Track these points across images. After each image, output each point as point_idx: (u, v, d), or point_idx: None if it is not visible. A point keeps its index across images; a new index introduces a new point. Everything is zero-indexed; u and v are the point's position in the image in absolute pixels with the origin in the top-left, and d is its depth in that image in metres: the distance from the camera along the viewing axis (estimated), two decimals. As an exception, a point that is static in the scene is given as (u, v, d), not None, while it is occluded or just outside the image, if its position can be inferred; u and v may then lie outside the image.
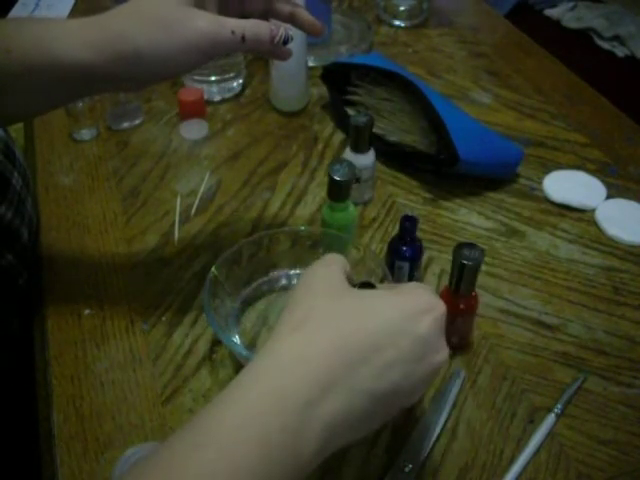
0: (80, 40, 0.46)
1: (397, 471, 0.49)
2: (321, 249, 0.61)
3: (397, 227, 0.60)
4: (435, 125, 0.72)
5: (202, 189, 0.73)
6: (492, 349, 0.58)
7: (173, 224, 0.69)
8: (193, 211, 0.71)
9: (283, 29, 0.50)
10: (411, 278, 0.61)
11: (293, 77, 0.83)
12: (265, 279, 0.62)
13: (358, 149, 0.68)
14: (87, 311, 0.61)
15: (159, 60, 0.47)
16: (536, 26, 1.42)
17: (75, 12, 1.04)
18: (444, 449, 0.51)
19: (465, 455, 0.51)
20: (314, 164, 0.78)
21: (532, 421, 0.53)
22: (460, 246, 0.52)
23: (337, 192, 0.60)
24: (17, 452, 0.65)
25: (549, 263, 0.66)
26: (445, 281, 0.61)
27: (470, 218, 0.71)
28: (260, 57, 0.92)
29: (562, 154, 0.80)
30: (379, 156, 0.73)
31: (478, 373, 0.56)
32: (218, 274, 0.56)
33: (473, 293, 0.55)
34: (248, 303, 0.61)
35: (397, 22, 1.05)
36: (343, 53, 0.95)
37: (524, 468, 0.50)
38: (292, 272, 0.63)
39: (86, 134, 0.80)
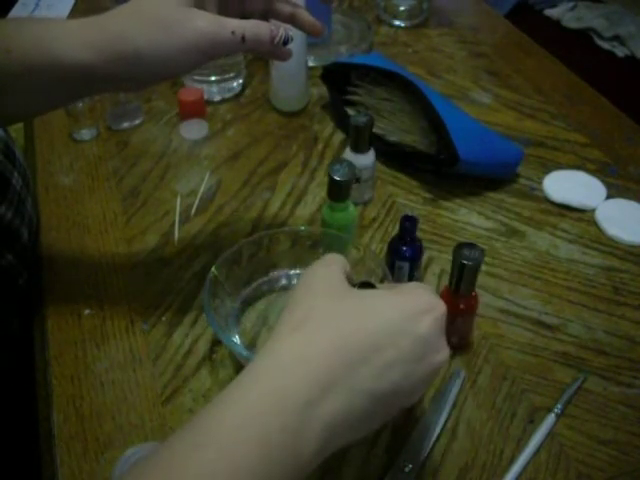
0: (80, 40, 0.46)
1: (397, 471, 0.49)
2: (321, 249, 0.61)
3: (397, 227, 0.60)
4: (435, 125, 0.72)
5: (202, 189, 0.73)
6: (492, 349, 0.58)
7: (173, 224, 0.69)
8: (193, 211, 0.71)
9: (283, 29, 0.50)
10: (411, 278, 0.61)
11: (293, 77, 0.83)
12: (265, 279, 0.62)
13: (358, 149, 0.68)
14: (87, 311, 0.61)
15: (159, 60, 0.47)
16: (536, 26, 1.42)
17: (75, 12, 1.04)
18: (444, 449, 0.51)
19: (465, 455, 0.51)
20: (314, 164, 0.78)
21: (532, 421, 0.53)
22: (460, 246, 0.52)
23: (337, 192, 0.60)
24: (17, 452, 0.65)
25: (549, 263, 0.66)
26: (445, 281, 0.61)
27: (470, 218, 0.71)
28: (260, 57, 0.92)
29: (562, 154, 0.80)
30: (379, 156, 0.73)
31: (478, 373, 0.56)
32: (218, 274, 0.56)
33: (473, 293, 0.55)
34: (248, 303, 0.61)
35: (397, 22, 1.05)
36: (343, 53, 0.95)
37: (524, 468, 0.50)
38: (292, 272, 0.63)
39: (86, 134, 0.80)
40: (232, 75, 0.87)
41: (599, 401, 0.54)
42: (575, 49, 1.91)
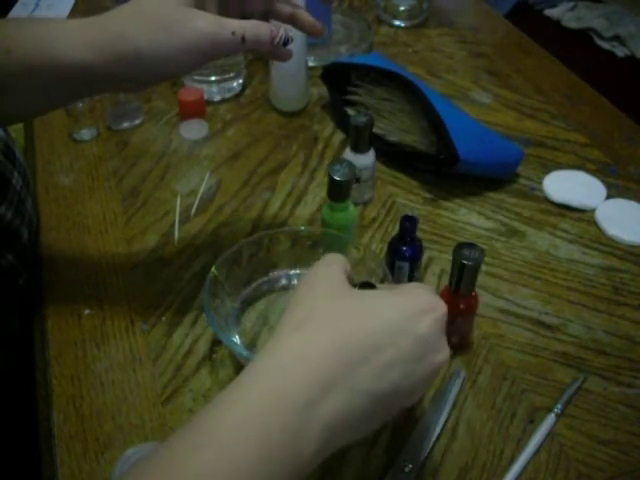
0: (80, 40, 0.46)
1: (397, 471, 0.49)
2: (321, 249, 0.61)
3: (397, 227, 0.60)
4: (435, 125, 0.72)
5: (202, 189, 0.73)
6: (492, 349, 0.58)
7: (173, 224, 0.69)
8: (193, 211, 0.71)
9: (283, 30, 0.50)
10: (411, 278, 0.61)
11: (293, 77, 0.83)
12: (265, 279, 0.62)
13: (358, 149, 0.68)
14: (87, 311, 0.61)
15: (159, 60, 0.47)
16: (536, 26, 1.42)
17: (75, 12, 1.04)
18: (444, 449, 0.51)
19: (465, 455, 0.51)
20: (314, 164, 0.78)
21: (532, 421, 0.53)
22: (460, 246, 0.52)
23: (337, 192, 0.60)
24: (17, 452, 0.65)
25: (549, 263, 0.66)
26: (445, 281, 0.61)
27: (470, 218, 0.71)
28: (260, 57, 0.92)
29: (562, 154, 0.80)
30: (379, 156, 0.73)
31: (478, 373, 0.56)
32: (218, 274, 0.56)
33: (473, 293, 0.55)
34: (248, 303, 0.61)
35: (397, 22, 1.05)
36: (343, 53, 0.95)
37: (524, 468, 0.50)
38: (292, 272, 0.63)
39: (86, 134, 0.80)
40: (232, 75, 0.87)
41: (599, 401, 0.54)
42: (575, 49, 1.91)
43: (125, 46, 0.46)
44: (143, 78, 0.49)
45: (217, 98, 0.87)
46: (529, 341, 0.59)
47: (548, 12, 2.22)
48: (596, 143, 0.81)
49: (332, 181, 0.59)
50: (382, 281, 0.55)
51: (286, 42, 0.51)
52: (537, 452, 0.51)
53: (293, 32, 0.52)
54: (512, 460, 0.50)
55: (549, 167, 0.77)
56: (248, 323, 0.59)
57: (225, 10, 0.52)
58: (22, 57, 0.46)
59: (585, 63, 1.22)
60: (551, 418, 0.52)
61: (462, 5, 1.14)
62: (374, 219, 0.71)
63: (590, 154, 0.80)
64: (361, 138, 0.68)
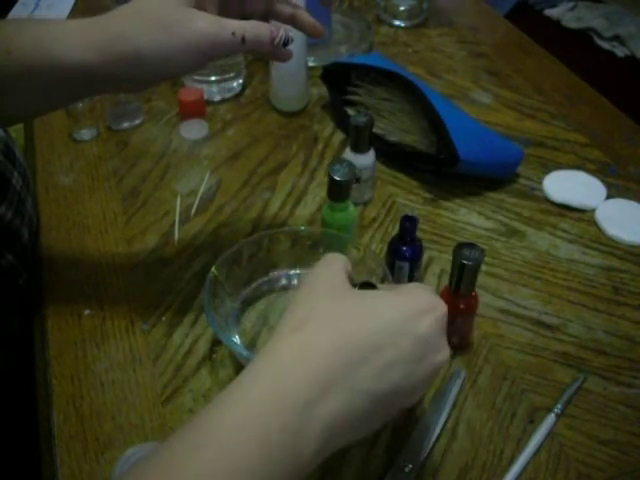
0: (80, 41, 0.46)
1: (397, 471, 0.49)
2: (321, 249, 0.61)
3: (397, 227, 0.60)
4: (435, 125, 0.72)
5: (202, 189, 0.73)
6: (492, 349, 0.58)
7: (173, 224, 0.69)
8: (193, 211, 0.71)
9: (283, 30, 0.50)
10: (411, 278, 0.61)
11: (293, 77, 0.83)
12: (265, 279, 0.62)
13: (358, 149, 0.68)
14: (87, 311, 0.61)
15: (159, 61, 0.47)
16: (536, 26, 1.42)
17: (75, 12, 1.04)
18: (444, 449, 0.51)
19: (465, 455, 0.51)
20: (314, 164, 0.78)
21: (532, 421, 0.53)
22: (460, 246, 0.52)
23: (337, 192, 0.60)
24: (17, 452, 0.65)
25: (549, 263, 0.66)
26: (445, 281, 0.61)
27: (470, 218, 0.71)
28: (260, 57, 0.92)
29: (562, 154, 0.80)
30: (379, 156, 0.73)
31: (478, 373, 0.56)
32: (218, 274, 0.56)
33: (473, 293, 0.55)
34: (248, 303, 0.61)
35: (397, 22, 1.05)
36: (343, 53, 0.95)
37: (524, 468, 0.50)
38: (292, 272, 0.63)
39: (86, 134, 0.80)
40: (232, 75, 0.87)
41: (599, 401, 0.54)
42: (575, 49, 1.91)
43: (125, 46, 0.46)
44: (143, 78, 0.49)
45: (217, 98, 0.87)
46: (529, 341, 0.59)
47: (548, 12, 2.22)
48: (596, 143, 0.81)
49: (332, 181, 0.59)
50: (382, 281, 0.55)
51: (286, 43, 0.51)
52: (537, 452, 0.51)
53: (293, 32, 0.52)
54: (512, 460, 0.50)
55: (549, 167, 0.77)
56: (248, 323, 0.59)
57: (225, 10, 0.52)
58: (22, 58, 0.46)
59: (585, 63, 1.22)
60: (551, 418, 0.52)
61: (462, 5, 1.14)
62: (374, 219, 0.71)
63: (590, 154, 0.80)
64: (361, 138, 0.68)
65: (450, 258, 0.53)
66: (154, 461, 0.33)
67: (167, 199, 0.72)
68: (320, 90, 0.88)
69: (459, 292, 0.53)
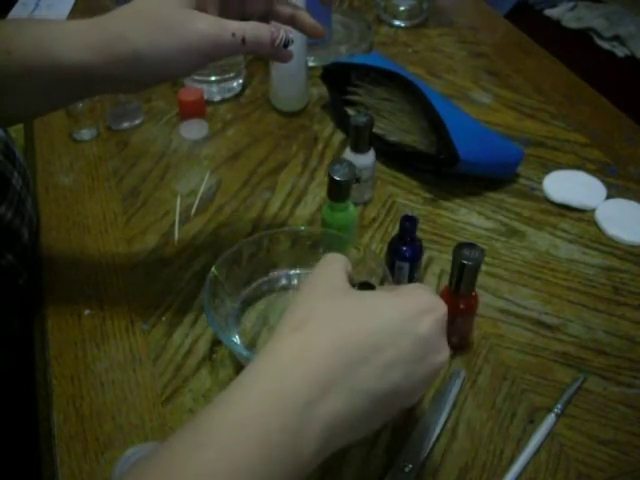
0: (80, 41, 0.46)
1: (397, 471, 0.49)
2: (321, 249, 0.61)
3: (397, 227, 0.60)
4: (435, 125, 0.72)
5: (202, 189, 0.73)
6: (492, 349, 0.58)
7: (173, 224, 0.69)
8: (193, 211, 0.71)
9: (284, 32, 0.50)
10: (411, 278, 0.60)
11: (293, 77, 0.83)
12: (265, 279, 0.62)
13: (358, 149, 0.68)
14: (87, 311, 0.61)
15: (159, 62, 0.47)
16: (536, 26, 1.42)
17: (75, 12, 1.04)
18: (444, 449, 0.51)
19: (465, 455, 0.51)
20: (314, 164, 0.78)
21: (532, 421, 0.53)
22: (460, 246, 0.52)
23: (337, 192, 0.60)
24: (17, 452, 0.65)
25: (549, 263, 0.66)
26: (445, 281, 0.61)
27: (470, 218, 0.71)
28: (260, 58, 0.92)
29: (562, 154, 0.80)
30: (379, 156, 0.73)
31: (478, 373, 0.56)
32: (218, 274, 0.56)
33: (473, 293, 0.55)
34: (248, 303, 0.61)
35: (397, 22, 1.05)
36: (343, 53, 0.95)
37: (524, 468, 0.50)
38: (292, 272, 0.63)
39: (86, 134, 0.80)
40: (232, 75, 0.87)
41: (599, 401, 0.54)
42: (575, 49, 1.91)
43: (125, 47, 0.46)
44: (143, 79, 0.49)
45: (217, 98, 0.87)
46: (529, 341, 0.59)
47: (548, 12, 2.23)
48: (596, 143, 0.81)
49: (332, 181, 0.59)
50: (382, 281, 0.55)
51: (286, 44, 0.51)
52: (537, 452, 0.51)
53: (293, 33, 0.52)
54: (512, 460, 0.50)
55: (549, 167, 0.77)
56: (248, 323, 0.59)
57: (225, 11, 0.52)
58: (22, 58, 0.46)
59: (585, 63, 1.22)
60: (551, 418, 0.52)
61: (462, 5, 1.14)
62: (374, 219, 0.71)
63: (590, 154, 0.80)
64: (361, 138, 0.68)
65: (450, 258, 0.53)
66: (154, 461, 0.33)
67: (167, 199, 0.72)
68: (320, 90, 0.88)
69: (459, 292, 0.53)
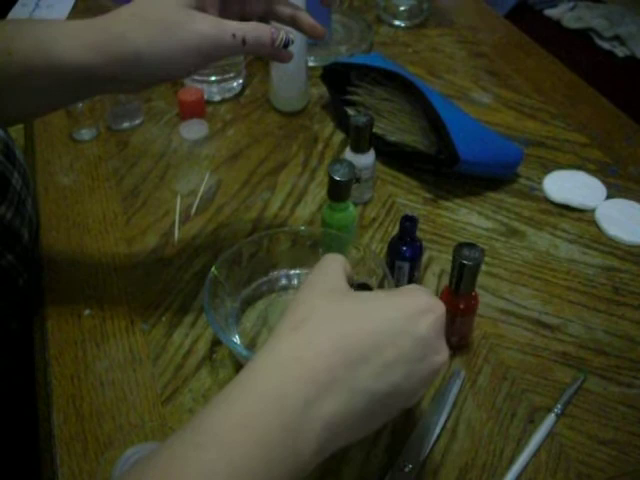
0: (80, 42, 0.46)
1: (397, 471, 0.49)
2: (321, 249, 0.61)
3: (397, 227, 0.60)
4: (435, 125, 0.72)
5: (202, 189, 0.73)
6: (492, 349, 0.58)
7: (173, 224, 0.69)
8: (193, 211, 0.71)
9: (284, 32, 0.50)
10: (411, 278, 0.60)
11: (293, 77, 0.83)
12: (265, 279, 0.62)
13: (358, 149, 0.68)
14: (87, 311, 0.61)
15: (159, 62, 0.47)
16: (536, 26, 1.43)
17: (75, 12, 1.04)
18: (444, 449, 0.51)
19: (465, 455, 0.51)
20: (314, 164, 0.78)
21: (532, 421, 0.53)
22: (460, 246, 0.52)
23: (337, 192, 0.60)
24: (17, 452, 0.65)
25: (549, 263, 0.66)
26: (445, 281, 0.61)
27: (470, 218, 0.71)
28: (260, 58, 0.92)
29: (562, 154, 0.80)
30: (379, 156, 0.73)
31: (478, 373, 0.56)
32: (218, 274, 0.56)
33: (473, 293, 0.55)
34: (248, 303, 0.61)
35: (397, 22, 1.05)
36: (343, 53, 0.95)
37: (524, 468, 0.50)
38: (292, 272, 0.63)
39: (86, 134, 0.80)
40: (232, 75, 0.87)
41: (599, 401, 0.54)
42: (575, 49, 1.92)
43: (125, 48, 0.46)
44: (143, 79, 0.49)
45: (217, 98, 0.87)
46: (529, 341, 0.59)
47: (548, 12, 2.23)
48: (596, 143, 0.81)
49: (332, 181, 0.59)
50: (382, 281, 0.55)
51: (287, 44, 0.51)
52: (537, 452, 0.51)
53: (293, 33, 0.52)
54: (512, 460, 0.50)
55: (549, 167, 0.77)
56: (248, 323, 0.59)
57: (225, 12, 0.52)
58: (22, 59, 0.46)
59: (585, 63, 1.22)
60: (551, 418, 0.52)
61: (462, 5, 1.14)
62: (374, 219, 0.71)
63: (590, 154, 0.80)
64: (361, 138, 0.67)
65: (450, 258, 0.53)
66: (154, 461, 0.33)
67: (167, 199, 0.72)
68: (320, 90, 0.88)
69: (459, 292, 0.53)
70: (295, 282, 0.62)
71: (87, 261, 0.65)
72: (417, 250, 0.60)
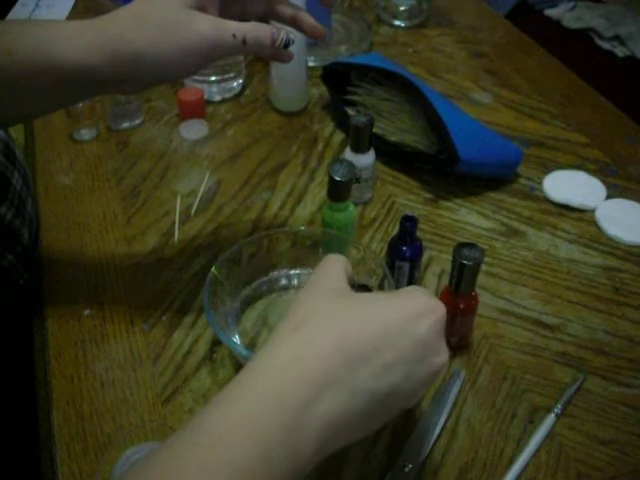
0: (80, 42, 0.46)
1: (397, 471, 0.49)
2: (321, 249, 0.61)
3: (397, 227, 0.60)
4: (435, 125, 0.72)
5: (202, 189, 0.73)
6: (492, 349, 0.58)
7: (173, 224, 0.69)
8: (193, 211, 0.71)
9: (284, 32, 0.50)
10: (411, 278, 0.60)
11: (293, 77, 0.83)
12: (265, 279, 0.62)
13: (358, 149, 0.68)
14: (87, 311, 0.61)
15: (159, 63, 0.47)
16: (536, 26, 1.43)
17: (75, 12, 1.04)
18: (444, 449, 0.51)
19: (465, 455, 0.51)
20: (314, 164, 0.78)
21: (532, 421, 0.53)
22: (460, 246, 0.52)
23: (337, 192, 0.60)
24: (17, 452, 0.65)
25: (549, 263, 0.66)
26: (445, 281, 0.61)
27: (470, 218, 0.71)
28: (260, 58, 0.92)
29: (562, 154, 0.80)
30: (379, 156, 0.73)
31: (478, 373, 0.56)
32: (218, 274, 0.56)
33: (473, 293, 0.55)
34: (248, 303, 0.61)
35: (397, 22, 1.05)
36: (343, 53, 0.95)
37: (524, 468, 0.50)
38: (292, 272, 0.63)
39: (86, 134, 0.80)
40: (232, 75, 0.87)
41: (599, 401, 0.54)
42: (575, 49, 1.92)
43: (125, 48, 0.46)
44: (143, 80, 0.49)
45: (217, 98, 0.87)
46: (529, 341, 0.59)
47: (548, 12, 2.23)
48: (596, 143, 0.81)
49: (332, 181, 0.59)
50: (382, 281, 0.55)
51: (287, 44, 0.51)
52: (537, 452, 0.51)
53: (293, 33, 0.52)
54: (512, 460, 0.50)
55: (549, 167, 0.77)
56: (248, 323, 0.59)
57: (225, 12, 0.52)
58: (22, 59, 0.46)
59: (585, 63, 1.22)
60: (551, 418, 0.52)
61: (462, 5, 1.14)
62: (374, 219, 0.71)
63: (590, 154, 0.80)
64: (361, 138, 0.67)
65: (450, 258, 0.53)
66: (154, 461, 0.33)
67: (167, 199, 0.72)
68: (320, 90, 0.88)
69: (459, 292, 0.53)
70: (295, 282, 0.63)
71: (87, 261, 0.65)
72: (417, 250, 0.60)
